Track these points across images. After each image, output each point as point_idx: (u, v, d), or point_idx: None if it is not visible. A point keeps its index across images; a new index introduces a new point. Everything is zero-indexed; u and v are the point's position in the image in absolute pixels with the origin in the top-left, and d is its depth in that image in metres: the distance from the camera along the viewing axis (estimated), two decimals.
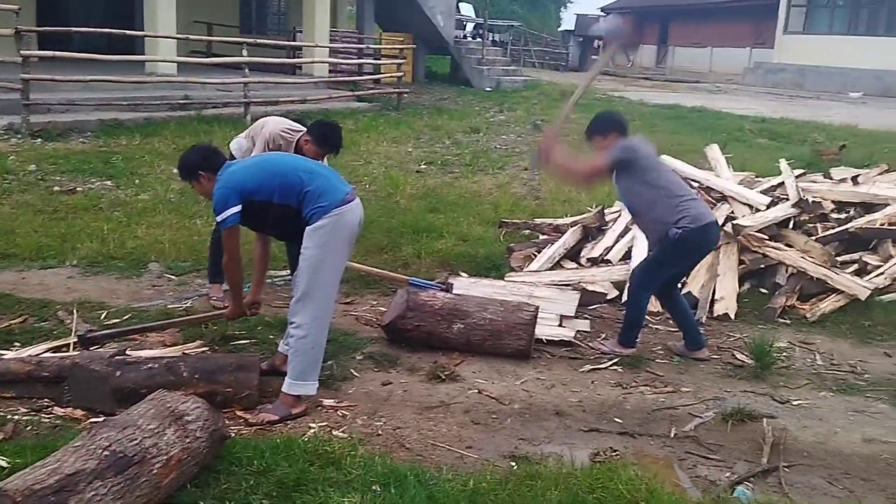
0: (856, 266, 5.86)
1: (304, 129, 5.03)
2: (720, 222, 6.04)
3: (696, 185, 6.52)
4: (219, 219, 3.72)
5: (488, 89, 20.87)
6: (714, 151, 7.31)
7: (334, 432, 3.61)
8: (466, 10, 32.41)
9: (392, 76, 17.13)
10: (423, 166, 10.42)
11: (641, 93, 22.50)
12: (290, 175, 3.74)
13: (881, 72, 25.14)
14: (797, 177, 7.03)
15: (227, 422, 3.50)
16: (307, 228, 3.69)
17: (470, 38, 26.43)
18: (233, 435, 3.37)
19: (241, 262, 3.92)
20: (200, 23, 16.70)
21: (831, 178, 7.23)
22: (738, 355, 4.81)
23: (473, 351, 4.58)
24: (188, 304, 5.19)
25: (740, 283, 5.79)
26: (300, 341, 3.72)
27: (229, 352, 4.36)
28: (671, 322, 5.33)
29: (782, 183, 6.81)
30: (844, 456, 3.72)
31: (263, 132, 5.06)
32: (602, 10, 44.11)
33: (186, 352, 4.29)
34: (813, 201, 6.35)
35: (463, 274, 5.94)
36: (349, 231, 3.80)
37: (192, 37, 13.84)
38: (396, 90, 16.54)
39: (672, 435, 3.86)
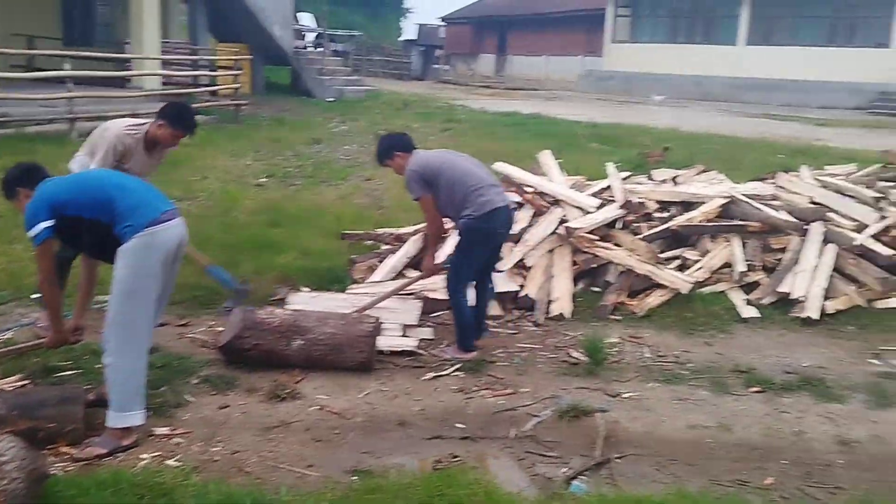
0: (678, 262, 6.22)
1: (149, 121, 4.81)
2: (553, 226, 6.30)
3: (529, 189, 6.74)
4: (29, 234, 3.49)
5: (330, 100, 20.76)
6: (546, 157, 7.56)
7: (167, 462, 3.46)
8: (307, 19, 32.15)
9: (229, 87, 16.73)
10: (263, 179, 10.21)
11: (482, 101, 23.05)
12: (100, 189, 3.56)
13: (700, 77, 26.89)
14: (623, 179, 7.39)
15: (50, 459, 3.30)
16: (118, 248, 3.50)
17: (311, 49, 26.20)
18: (56, 473, 3.18)
19: (56, 282, 3.70)
20: (20, 35, 15.70)
21: (654, 180, 7.65)
22: (574, 353, 4.98)
23: (315, 367, 4.52)
24: (7, 336, 4.85)
25: (574, 284, 6.02)
26: (112, 370, 3.53)
27: (52, 384, 4.11)
28: (511, 324, 5.49)
29: (610, 186, 7.13)
30: (671, 443, 3.93)
31: (106, 136, 4.75)
32: (442, 19, 44.91)
33: (4, 387, 4.00)
34: (638, 202, 6.68)
35: (304, 288, 5.86)
36: (164, 252, 3.58)
37: (9, 50, 13.00)
38: (234, 102, 16.16)
39: (512, 436, 3.96)
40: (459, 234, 4.80)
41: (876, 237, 6.28)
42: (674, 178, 7.33)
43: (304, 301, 5.33)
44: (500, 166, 7.09)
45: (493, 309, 5.56)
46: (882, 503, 3.31)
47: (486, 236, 4.78)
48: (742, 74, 26.27)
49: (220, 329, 4.94)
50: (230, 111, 15.96)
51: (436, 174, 4.73)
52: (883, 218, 6.55)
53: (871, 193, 7.02)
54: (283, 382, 4.29)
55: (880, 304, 5.82)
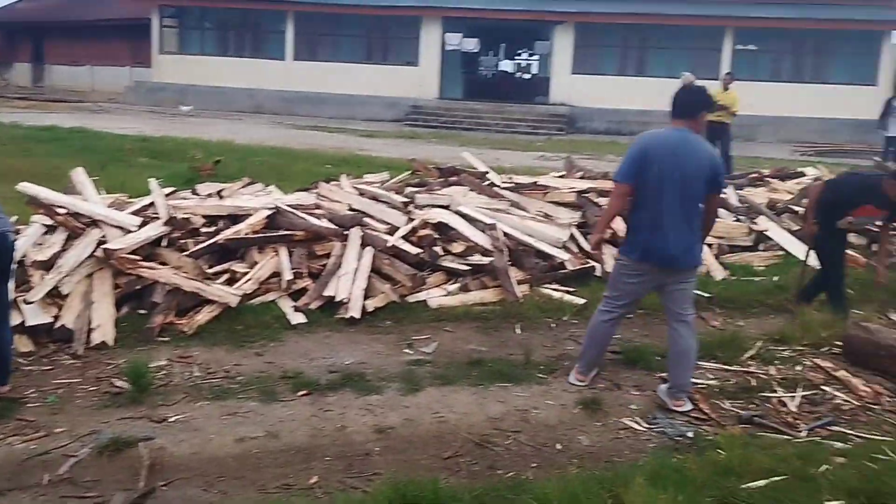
0: (227, 276, 6.21)
1: None
2: (91, 249, 5.89)
3: (61, 210, 6.22)
4: None
5: None
6: (79, 175, 7.06)
7: None
8: None
9: None
10: None
11: (16, 114, 20.80)
12: None
13: (253, 90, 27.35)
14: (168, 195, 7.19)
15: None
16: None
17: None
18: None
19: None
20: None
21: (199, 195, 7.57)
22: (117, 382, 4.70)
23: None
24: None
25: (118, 308, 5.70)
26: None
27: None
28: (46, 360, 5.03)
29: (154, 202, 6.89)
30: (219, 460, 3.90)
31: None
32: None
33: None
34: (183, 218, 6.54)
35: None
36: None
37: None
38: None
39: (45, 482, 3.61)
40: None
41: (405, 238, 6.91)
42: (219, 192, 7.32)
43: None
44: (26, 187, 6.45)
45: (23, 345, 5.03)
46: (408, 479, 3.62)
47: None
48: (292, 88, 27.28)
49: None
50: None
51: None
52: (411, 220, 7.24)
53: (400, 199, 7.72)
54: None
55: (411, 299, 6.41)
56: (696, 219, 4.65)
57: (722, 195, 4.70)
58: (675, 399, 4.73)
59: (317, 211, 7.28)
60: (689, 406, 4.70)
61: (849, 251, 8.01)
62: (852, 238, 8.53)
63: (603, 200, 7.95)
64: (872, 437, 4.35)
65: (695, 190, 4.57)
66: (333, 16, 27.65)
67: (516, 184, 9.07)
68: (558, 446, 4.21)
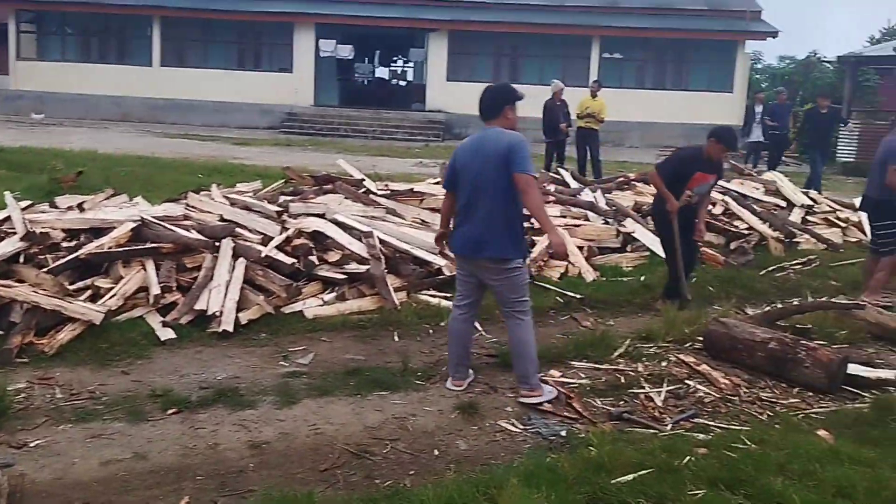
0: (90, 292, 5.94)
1: None
2: None
3: None
4: None
5: None
6: None
7: None
8: None
9: None
10: None
11: None
12: None
13: (119, 97, 26.32)
14: (24, 209, 6.83)
15: None
16: None
17: None
18: None
19: None
20: None
21: (58, 208, 7.22)
22: None
23: None
24: None
25: None
26: None
27: None
28: None
29: (9, 217, 6.53)
30: (83, 485, 3.72)
31: None
32: None
33: None
34: (41, 232, 6.23)
35: None
36: None
37: None
38: None
39: None
40: None
41: (280, 248, 6.79)
42: (80, 205, 7.00)
43: None
44: None
45: None
46: (282, 495, 3.57)
47: None
48: (160, 95, 26.42)
49: None
50: None
51: None
52: (285, 230, 7.13)
53: (274, 208, 7.60)
54: None
55: (287, 309, 6.31)
56: (502, 210, 4.65)
57: (529, 175, 4.52)
58: (521, 392, 4.88)
59: (186, 222, 7.08)
60: (538, 399, 4.80)
61: (707, 250, 8.46)
62: (710, 238, 9.01)
63: None
64: (731, 427, 4.58)
65: (491, 179, 4.62)
66: (202, 21, 27.01)
67: (392, 191, 9.11)
68: (436, 452, 4.23)
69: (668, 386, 5.16)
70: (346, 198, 8.49)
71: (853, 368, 5.35)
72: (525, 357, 4.85)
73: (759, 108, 17.52)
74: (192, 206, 7.56)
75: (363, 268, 6.71)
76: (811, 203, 10.86)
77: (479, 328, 6.24)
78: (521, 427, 4.57)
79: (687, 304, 6.63)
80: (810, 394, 5.17)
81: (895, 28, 38.66)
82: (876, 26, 61.26)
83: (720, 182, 7.21)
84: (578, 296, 7.06)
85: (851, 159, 21.96)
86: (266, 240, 6.94)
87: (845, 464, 3.92)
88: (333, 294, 6.58)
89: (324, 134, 24.28)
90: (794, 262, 8.76)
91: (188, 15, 26.65)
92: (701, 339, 5.86)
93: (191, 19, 26.90)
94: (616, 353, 5.71)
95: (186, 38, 27.62)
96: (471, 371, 5.18)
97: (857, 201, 10.88)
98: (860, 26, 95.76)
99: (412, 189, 9.17)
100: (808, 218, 10.51)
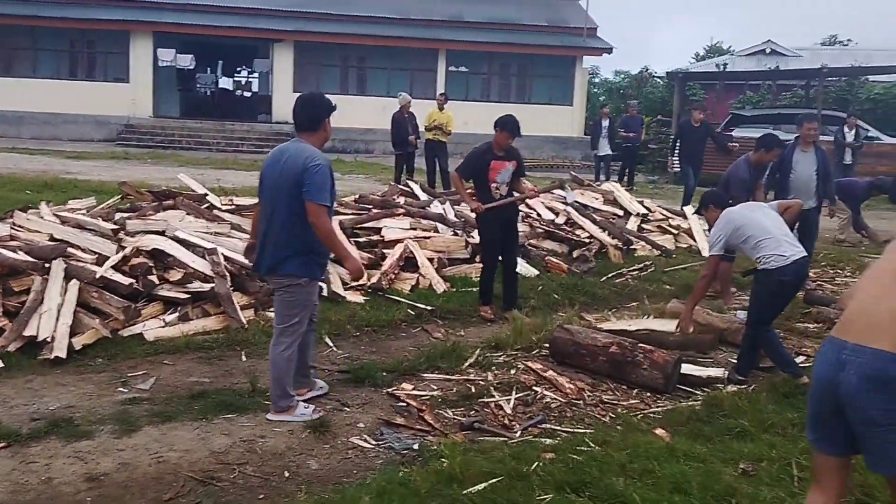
0: None
1: None
2: None
3: None
4: None
5: None
6: None
7: None
8: None
9: None
10: None
11: None
12: None
13: None
14: None
15: None
16: None
17: None
18: None
19: None
20: None
21: None
22: None
23: None
24: None
25: None
26: None
27: None
28: None
29: None
30: None
31: None
32: None
33: None
34: None
35: None
36: None
37: None
38: None
39: None
40: None
41: (116, 268, 6.45)
42: None
43: None
44: None
45: None
46: None
47: None
48: None
49: None
50: None
51: None
52: (122, 248, 6.79)
53: (109, 226, 7.23)
54: None
55: (126, 332, 6.01)
56: (289, 228, 4.59)
57: (317, 204, 4.45)
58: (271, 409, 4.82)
59: (12, 243, 6.62)
60: (286, 419, 4.71)
61: (551, 258, 8.75)
62: (554, 246, 9.32)
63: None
64: (576, 430, 4.74)
65: (281, 198, 4.58)
66: (29, 28, 25.42)
67: (238, 206, 8.86)
68: (286, 474, 4.13)
69: (516, 393, 5.28)
70: (187, 213, 8.18)
71: (686, 368, 5.67)
72: (276, 381, 4.73)
73: (605, 123, 18.02)
74: (19, 226, 7.07)
75: (207, 286, 6.49)
76: (646, 212, 11.43)
77: (331, 343, 6.19)
78: (374, 443, 4.54)
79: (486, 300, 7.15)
80: (649, 394, 5.43)
81: (718, 45, 41.56)
82: (701, 44, 65.52)
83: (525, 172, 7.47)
84: (429, 307, 7.12)
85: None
86: (101, 259, 6.57)
87: (681, 460, 4.13)
88: (176, 314, 6.32)
89: (164, 146, 23.36)
90: (632, 268, 9.18)
91: (14, 21, 25.00)
92: (547, 345, 6.03)
93: (17, 26, 25.25)
94: (467, 364, 5.79)
95: (11, 47, 25.89)
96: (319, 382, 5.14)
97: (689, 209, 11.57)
98: (688, 42, 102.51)
99: (257, 203, 8.95)
100: (643, 226, 11.06)
